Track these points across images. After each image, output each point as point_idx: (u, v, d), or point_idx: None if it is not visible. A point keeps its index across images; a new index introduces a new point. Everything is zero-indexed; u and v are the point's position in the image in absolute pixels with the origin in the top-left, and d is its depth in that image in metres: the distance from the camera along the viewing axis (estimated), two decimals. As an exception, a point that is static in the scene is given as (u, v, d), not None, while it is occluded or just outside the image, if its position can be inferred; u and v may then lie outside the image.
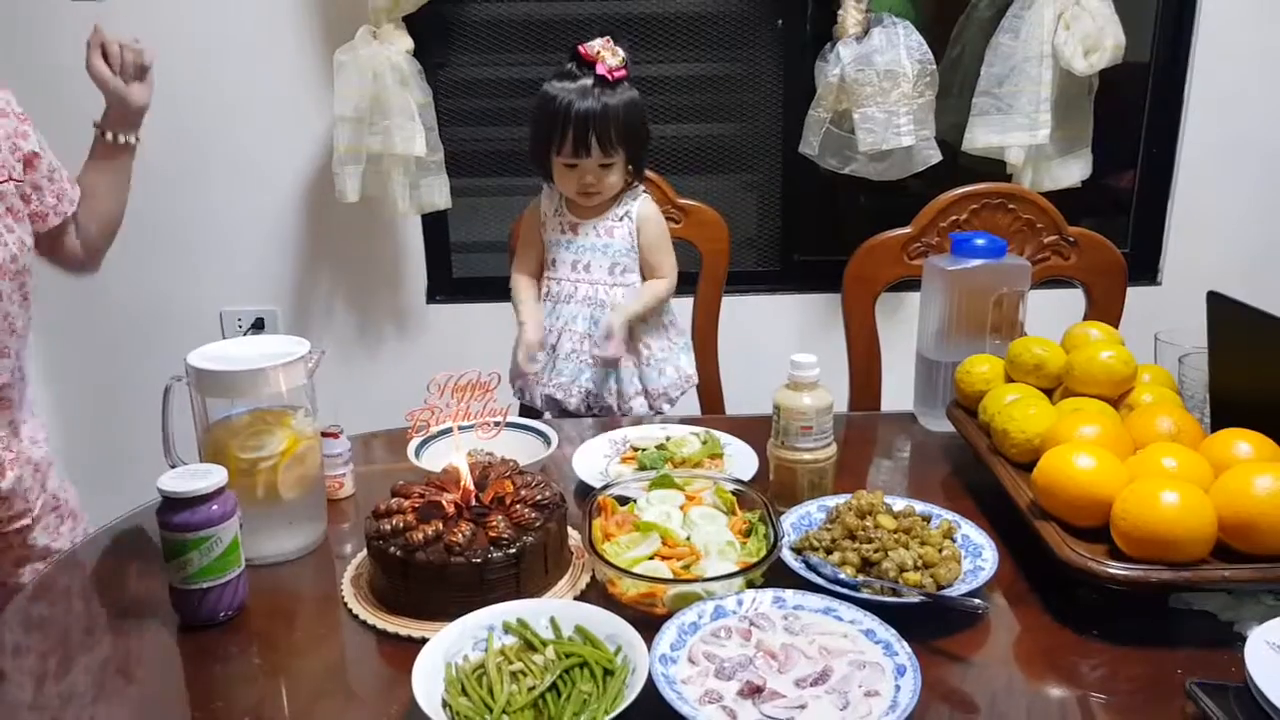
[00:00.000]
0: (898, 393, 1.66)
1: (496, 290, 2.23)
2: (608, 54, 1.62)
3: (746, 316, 2.37)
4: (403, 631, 0.98)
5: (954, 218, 1.66)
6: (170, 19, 2.26)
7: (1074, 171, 2.30)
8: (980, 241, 1.42)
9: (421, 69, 2.23)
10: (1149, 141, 2.48)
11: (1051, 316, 1.51)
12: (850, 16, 2.19)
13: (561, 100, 1.61)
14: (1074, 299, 1.76)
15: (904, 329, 1.77)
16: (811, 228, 2.55)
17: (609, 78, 1.62)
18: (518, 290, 1.78)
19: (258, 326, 2.46)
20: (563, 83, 1.63)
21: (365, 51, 2.16)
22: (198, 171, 2.37)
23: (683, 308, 1.89)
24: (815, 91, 2.27)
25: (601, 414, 1.72)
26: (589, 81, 1.62)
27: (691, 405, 1.90)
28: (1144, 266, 2.53)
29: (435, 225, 2.47)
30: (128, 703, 0.93)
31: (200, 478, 0.98)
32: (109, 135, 1.47)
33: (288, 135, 2.35)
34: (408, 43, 2.20)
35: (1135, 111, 2.47)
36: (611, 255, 1.70)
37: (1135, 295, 1.74)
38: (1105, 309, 1.66)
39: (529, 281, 1.78)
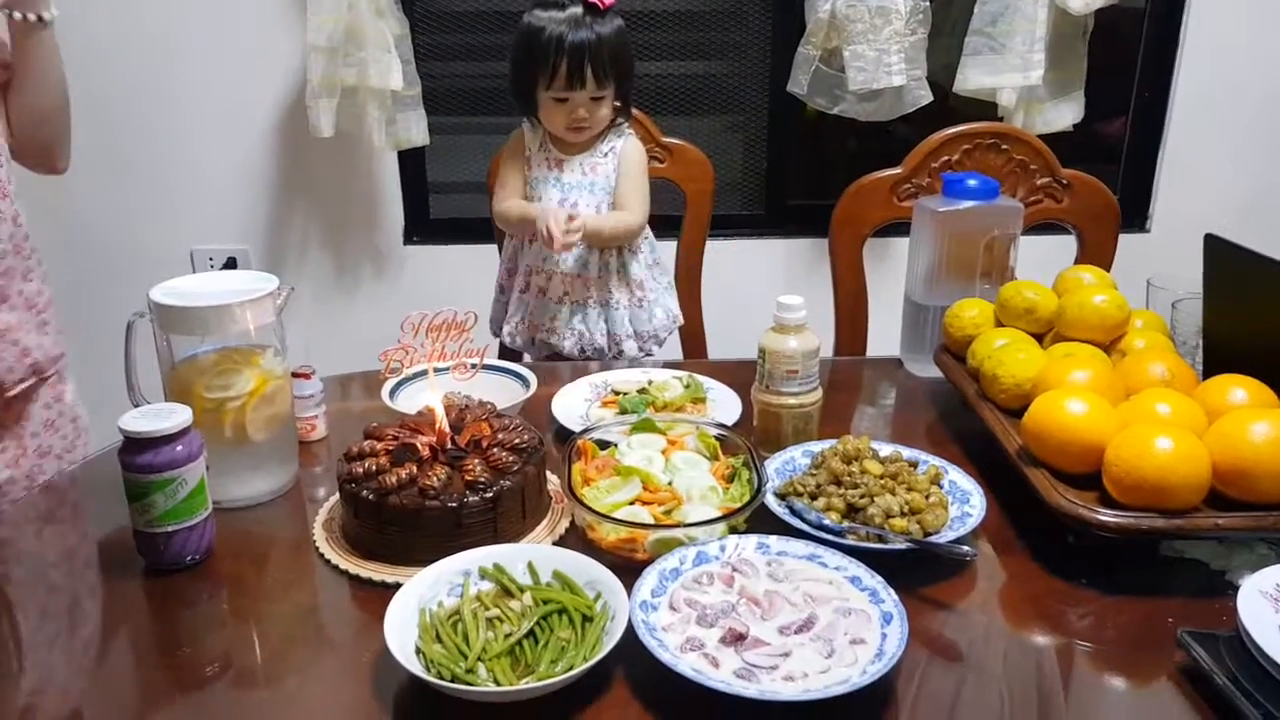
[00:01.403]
0: (884, 339, 1.64)
1: (476, 231, 2.18)
2: None
3: (730, 260, 2.34)
4: (376, 577, 0.95)
5: (946, 158, 1.62)
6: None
7: (1066, 115, 2.26)
8: (972, 183, 1.38)
9: (397, -2, 2.15)
10: (1141, 86, 2.43)
11: (1042, 262, 1.48)
12: (842, -50, 2.12)
13: (551, 31, 1.54)
14: (1065, 245, 1.73)
15: (891, 276, 1.73)
16: (797, 172, 2.50)
17: (599, 6, 1.55)
18: (512, 203, 1.65)
19: (230, 266, 2.40)
20: (549, 12, 1.56)
21: (338, -22, 2.07)
22: (165, 103, 2.28)
23: (666, 250, 1.85)
24: (805, 29, 2.20)
25: (594, 357, 1.69)
26: (578, 10, 1.55)
27: (674, 349, 1.87)
28: (1134, 214, 2.50)
29: (412, 164, 2.41)
30: (91, 649, 0.90)
31: (164, 417, 0.95)
32: (14, 14, 1.27)
33: (259, 66, 2.26)
34: (383, -31, 2.12)
35: (1128, 58, 2.42)
36: (597, 194, 1.65)
37: (1125, 243, 1.71)
38: (1097, 254, 1.63)
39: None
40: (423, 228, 2.46)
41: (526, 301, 1.69)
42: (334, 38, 2.08)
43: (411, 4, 2.25)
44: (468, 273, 2.02)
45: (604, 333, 1.69)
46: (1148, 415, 0.97)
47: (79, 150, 1.46)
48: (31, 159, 1.42)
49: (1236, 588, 0.83)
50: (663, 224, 1.83)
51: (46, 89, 1.36)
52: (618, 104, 1.64)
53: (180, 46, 2.24)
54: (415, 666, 0.78)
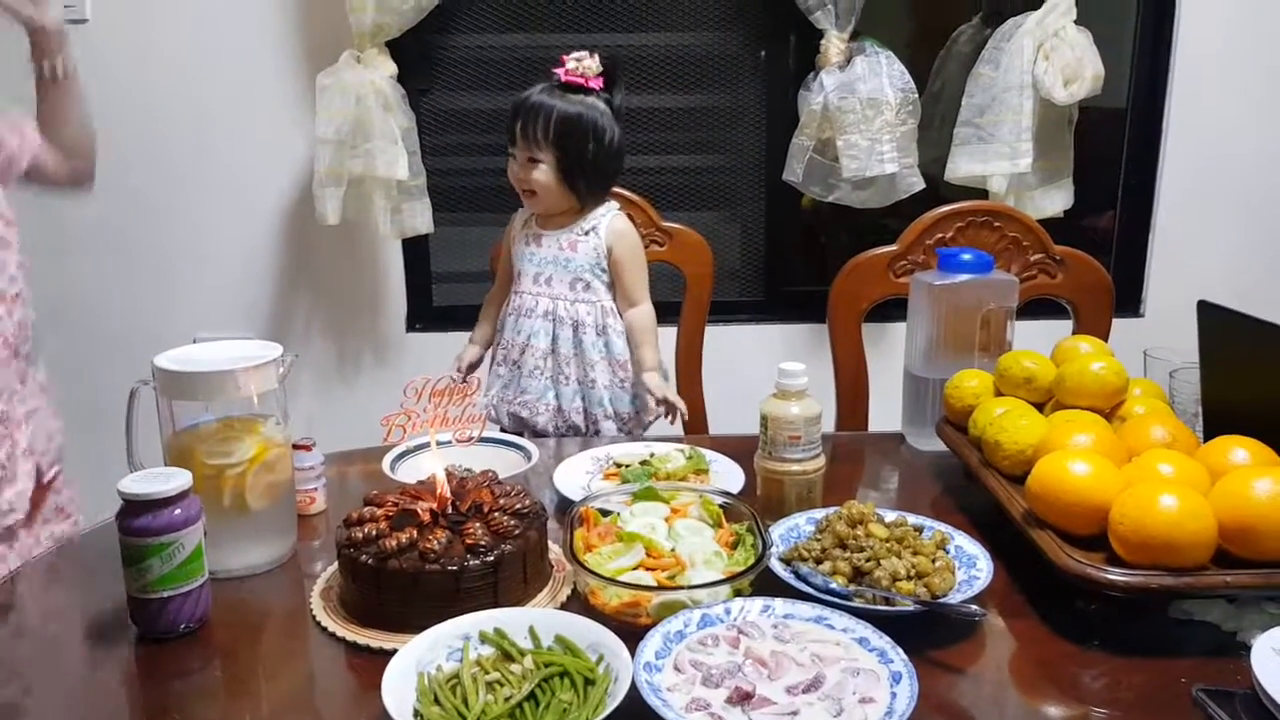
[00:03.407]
0: (884, 421, 1.63)
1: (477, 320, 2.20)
2: (571, 60, 1.62)
3: (730, 345, 2.35)
4: (373, 644, 0.93)
5: (940, 235, 1.65)
6: (153, 39, 2.26)
7: (1056, 201, 2.31)
8: (967, 257, 1.41)
9: (405, 94, 2.22)
10: (1129, 173, 2.50)
11: (1038, 344, 1.48)
12: (833, 46, 2.21)
13: (520, 94, 1.64)
14: (1061, 329, 1.74)
15: (889, 358, 1.74)
16: (794, 261, 2.55)
17: (561, 78, 1.61)
18: (484, 307, 1.82)
19: (233, 353, 2.41)
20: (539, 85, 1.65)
21: (348, 75, 2.15)
22: (175, 191, 2.34)
23: (666, 336, 1.85)
24: (798, 122, 2.28)
25: (569, 434, 1.67)
26: (551, 85, 1.63)
27: (675, 427, 1.85)
28: (1128, 299, 2.53)
29: (416, 253, 2.45)
30: (80, 717, 0.87)
31: (163, 480, 0.94)
32: (44, 68, 1.45)
33: (268, 157, 2.33)
34: (391, 67, 2.20)
35: (1113, 154, 2.50)
36: (573, 270, 1.64)
37: (1119, 326, 1.73)
38: (1093, 329, 1.64)
39: (494, 296, 1.80)
40: (425, 315, 2.49)
41: (502, 375, 1.69)
42: (341, 130, 2.15)
43: (417, 100, 2.33)
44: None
45: (580, 410, 1.67)
46: (1151, 475, 0.97)
47: (82, 234, 1.51)
48: (75, 186, 1.57)
49: (1248, 647, 0.82)
50: (662, 310, 1.83)
51: (78, 126, 1.52)
52: (569, 178, 1.61)
53: (193, 137, 2.31)
54: (413, 729, 0.76)
